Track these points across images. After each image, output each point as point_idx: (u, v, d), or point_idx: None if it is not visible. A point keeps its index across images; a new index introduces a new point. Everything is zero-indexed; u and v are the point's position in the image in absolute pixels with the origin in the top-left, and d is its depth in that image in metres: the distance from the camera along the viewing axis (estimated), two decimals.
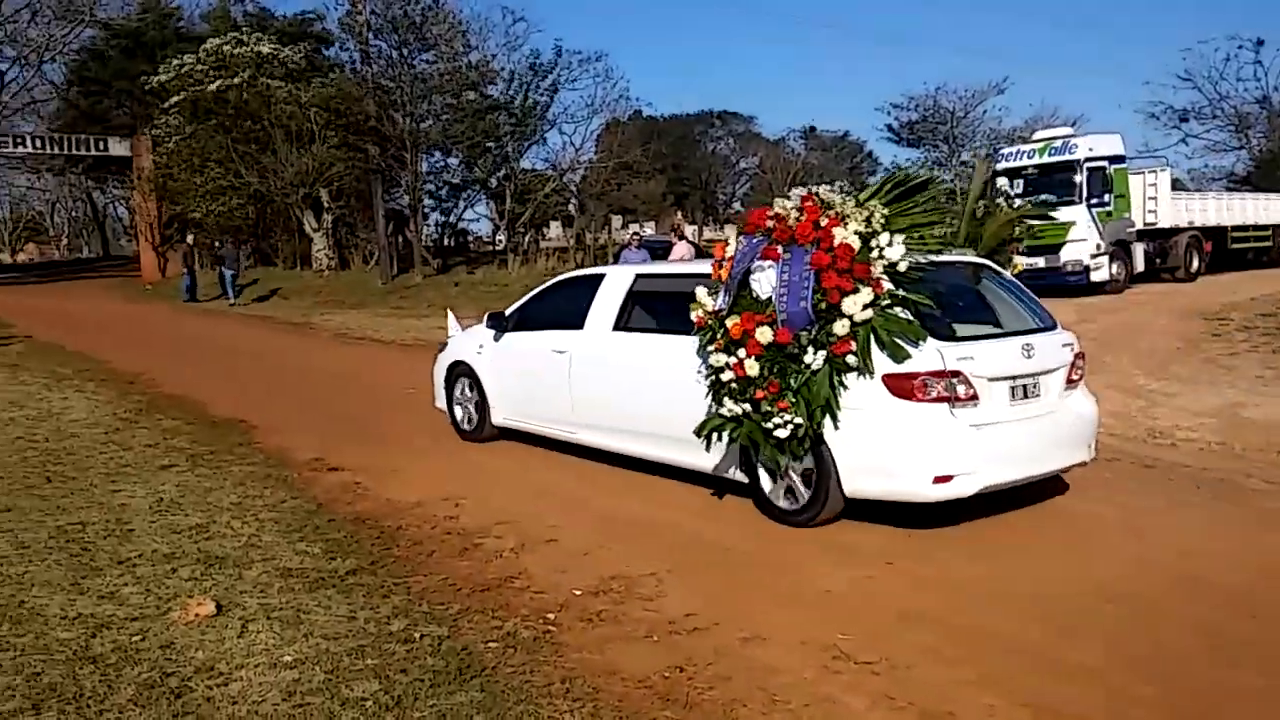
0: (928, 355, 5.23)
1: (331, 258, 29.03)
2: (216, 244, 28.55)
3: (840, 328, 5.24)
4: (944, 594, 4.65)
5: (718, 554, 5.32)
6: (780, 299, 5.39)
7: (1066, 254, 19.04)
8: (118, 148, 33.18)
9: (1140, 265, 19.69)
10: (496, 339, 8.05)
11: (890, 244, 5.29)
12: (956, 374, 5.26)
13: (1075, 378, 5.94)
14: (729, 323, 5.53)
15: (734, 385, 5.54)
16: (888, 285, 5.24)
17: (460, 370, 8.35)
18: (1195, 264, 20.74)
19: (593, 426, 7.05)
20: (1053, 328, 6.00)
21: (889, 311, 5.25)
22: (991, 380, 5.43)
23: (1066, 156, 19.54)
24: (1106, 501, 6.06)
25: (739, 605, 4.52)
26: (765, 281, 5.50)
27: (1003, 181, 20.20)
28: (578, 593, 4.70)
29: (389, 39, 26.12)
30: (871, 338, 5.25)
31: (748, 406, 5.51)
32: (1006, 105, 56.26)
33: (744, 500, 6.01)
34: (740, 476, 5.98)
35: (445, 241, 33.93)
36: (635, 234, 18.91)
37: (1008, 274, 6.47)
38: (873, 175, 66.00)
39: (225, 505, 6.14)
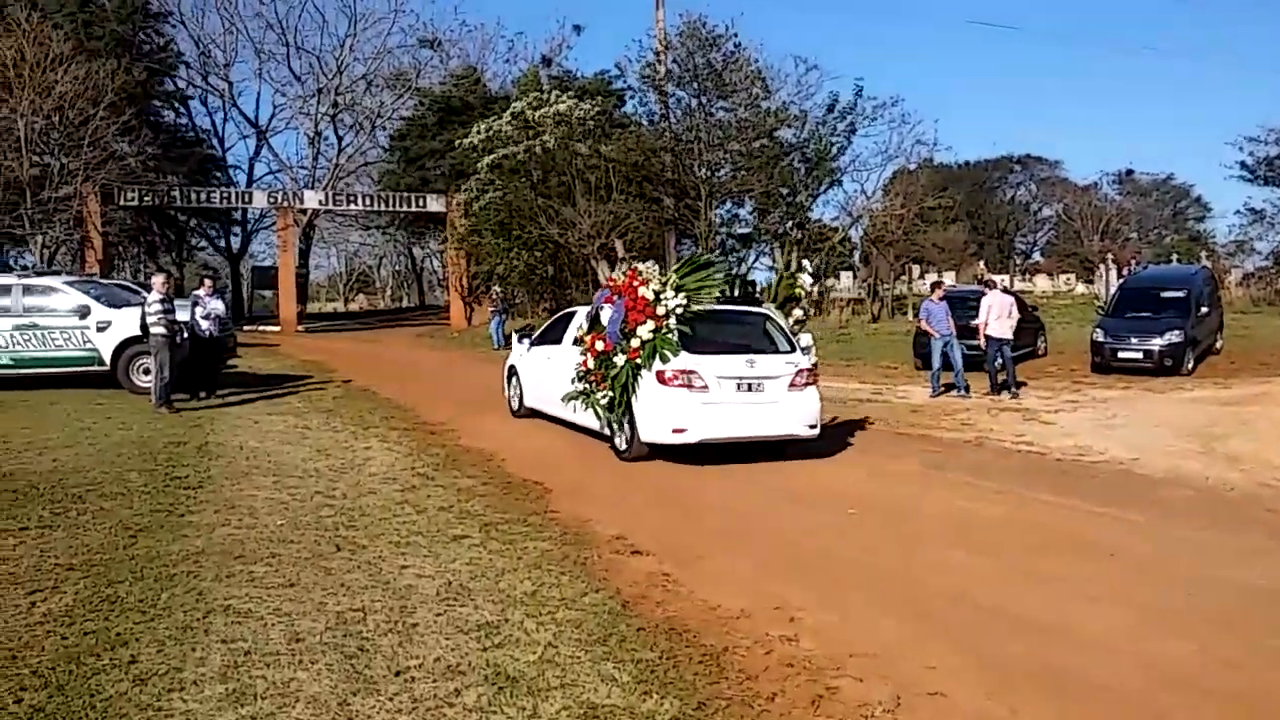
0: (677, 361, 8.90)
1: None
2: (498, 292, 29.38)
3: (634, 342, 9.08)
4: None
5: None
6: (609, 325, 9.39)
7: None
8: (434, 204, 35.59)
9: None
10: (528, 350, 12.19)
11: (672, 298, 9.07)
12: (692, 372, 8.86)
13: (799, 382, 9.19)
14: (587, 338, 9.80)
15: (582, 373, 9.82)
16: (670, 321, 9.04)
17: (512, 371, 12.70)
18: None
19: (555, 405, 10.77)
20: (787, 352, 9.39)
21: (664, 336, 9.01)
22: (720, 377, 8.92)
23: None
24: None
25: None
26: (605, 315, 9.54)
27: None
28: None
29: (689, 88, 25.87)
30: (654, 350, 8.95)
31: (587, 386, 9.70)
32: None
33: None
34: (607, 431, 9.68)
35: (733, 291, 33.17)
36: (936, 283, 17.54)
37: (783, 320, 9.93)
38: (1201, 222, 58.65)
39: (519, 595, 5.20)
